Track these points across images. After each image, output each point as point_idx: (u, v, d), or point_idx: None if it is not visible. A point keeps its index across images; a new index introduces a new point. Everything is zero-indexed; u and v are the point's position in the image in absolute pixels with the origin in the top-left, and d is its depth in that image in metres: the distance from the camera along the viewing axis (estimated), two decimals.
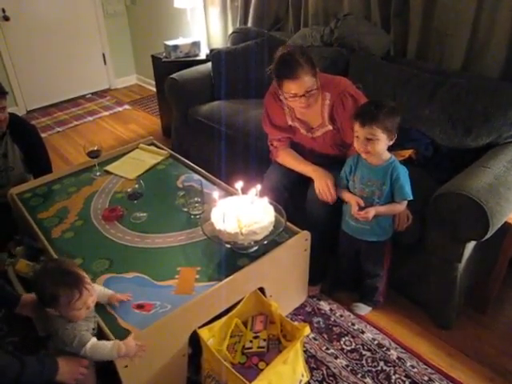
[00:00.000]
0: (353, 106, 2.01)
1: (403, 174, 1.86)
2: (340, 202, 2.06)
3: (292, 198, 2.26)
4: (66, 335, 1.49)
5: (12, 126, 2.51)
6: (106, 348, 1.49)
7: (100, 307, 1.67)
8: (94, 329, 1.57)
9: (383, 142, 1.80)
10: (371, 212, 1.87)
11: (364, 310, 2.22)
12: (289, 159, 2.28)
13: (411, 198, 1.88)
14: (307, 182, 2.19)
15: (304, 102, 1.99)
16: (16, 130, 2.54)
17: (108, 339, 1.55)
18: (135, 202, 2.19)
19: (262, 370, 1.71)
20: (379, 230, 1.98)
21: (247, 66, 3.31)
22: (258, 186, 1.93)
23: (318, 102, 2.10)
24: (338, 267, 2.28)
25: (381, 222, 1.95)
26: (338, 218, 2.11)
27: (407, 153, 2.25)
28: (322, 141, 2.17)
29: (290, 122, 2.25)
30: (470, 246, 1.93)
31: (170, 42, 3.91)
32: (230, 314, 1.86)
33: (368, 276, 2.15)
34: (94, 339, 1.51)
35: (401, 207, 1.91)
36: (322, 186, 2.05)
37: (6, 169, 2.55)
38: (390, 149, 1.88)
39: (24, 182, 2.56)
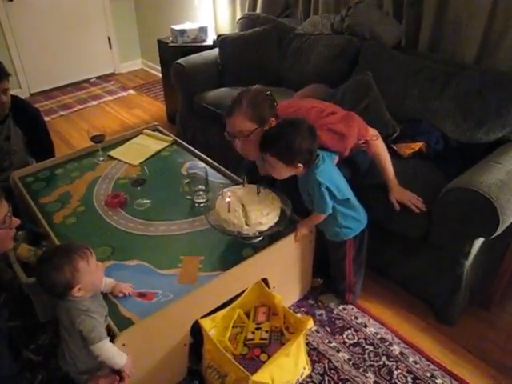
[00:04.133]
0: (328, 137, 1.86)
1: (316, 188, 1.75)
2: None
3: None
4: (85, 323, 1.46)
5: (14, 108, 2.47)
6: (114, 353, 1.49)
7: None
8: (106, 316, 1.56)
9: (281, 168, 1.76)
10: (300, 231, 1.92)
11: (330, 300, 2.22)
12: None
13: (322, 212, 1.82)
14: None
15: (238, 143, 1.93)
16: (18, 113, 2.50)
17: (110, 327, 1.54)
18: (139, 188, 2.16)
19: (263, 361, 1.70)
20: (330, 228, 1.95)
21: (255, 53, 3.26)
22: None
23: None
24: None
25: (328, 222, 1.91)
26: None
27: (417, 146, 2.22)
28: None
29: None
30: (478, 242, 1.90)
31: (177, 27, 3.85)
32: (233, 304, 1.85)
33: (332, 271, 2.15)
34: (107, 339, 1.49)
35: (317, 218, 1.88)
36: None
37: (9, 152, 2.52)
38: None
39: (26, 165, 2.53)
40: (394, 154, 2.20)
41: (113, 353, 1.48)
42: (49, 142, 2.73)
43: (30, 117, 2.57)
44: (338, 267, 2.08)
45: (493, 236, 1.78)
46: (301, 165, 1.73)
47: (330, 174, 1.78)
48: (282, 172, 1.78)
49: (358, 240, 1.98)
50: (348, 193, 1.86)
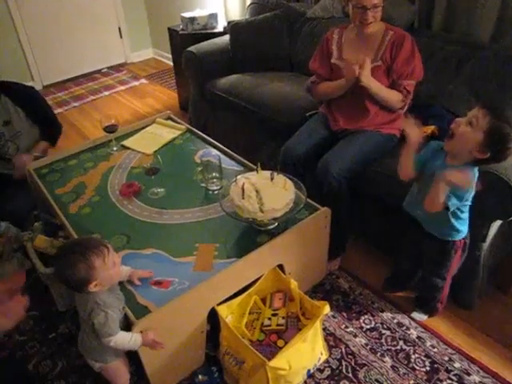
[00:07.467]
0: (410, 49, 2.13)
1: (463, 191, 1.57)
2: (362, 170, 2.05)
3: (307, 173, 2.23)
4: (98, 317, 1.47)
5: (10, 91, 2.48)
6: (125, 340, 1.50)
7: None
8: (123, 307, 1.57)
9: (469, 142, 1.52)
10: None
11: (418, 316, 2.05)
12: (326, 85, 2.35)
13: (448, 207, 1.61)
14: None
15: (370, 16, 2.07)
16: (16, 95, 2.50)
17: (127, 316, 1.55)
18: (152, 177, 2.16)
19: (280, 347, 1.70)
20: (443, 225, 1.74)
21: (266, 39, 3.23)
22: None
23: (379, 36, 2.19)
24: (397, 261, 2.14)
25: (441, 218, 1.70)
26: (350, 189, 2.13)
27: (429, 129, 2.18)
28: None
29: (332, 60, 2.30)
30: (496, 224, 1.88)
31: (187, 14, 3.83)
32: (249, 291, 1.85)
33: (425, 279, 1.97)
34: (118, 333, 1.50)
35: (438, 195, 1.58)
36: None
37: (13, 136, 2.51)
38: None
39: (35, 143, 2.58)
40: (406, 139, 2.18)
41: (124, 343, 1.50)
42: (51, 114, 2.74)
43: (28, 96, 2.57)
44: (437, 277, 1.90)
45: (511, 218, 1.75)
46: (485, 156, 1.52)
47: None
48: (464, 146, 1.54)
49: (466, 247, 1.81)
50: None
